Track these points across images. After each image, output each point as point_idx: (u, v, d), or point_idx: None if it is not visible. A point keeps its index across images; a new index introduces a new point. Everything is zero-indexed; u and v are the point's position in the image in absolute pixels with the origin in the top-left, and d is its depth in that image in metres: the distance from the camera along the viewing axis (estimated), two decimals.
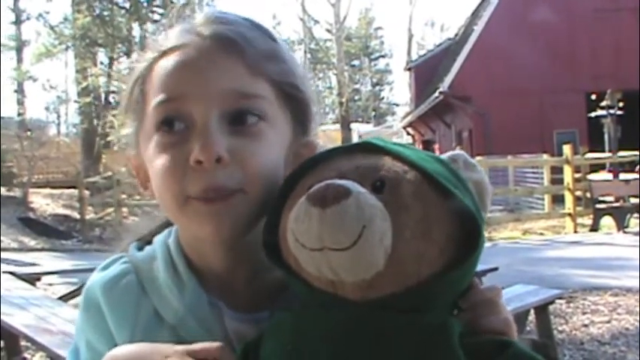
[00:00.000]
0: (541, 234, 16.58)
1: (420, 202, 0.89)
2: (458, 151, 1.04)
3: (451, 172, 0.96)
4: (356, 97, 73.07)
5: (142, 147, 1.10)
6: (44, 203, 22.06)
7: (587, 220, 16.68)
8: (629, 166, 18.27)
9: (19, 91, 41.09)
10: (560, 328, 7.20)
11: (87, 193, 21.02)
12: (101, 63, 31.16)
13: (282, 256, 0.96)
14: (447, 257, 0.90)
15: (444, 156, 1.01)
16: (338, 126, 43.06)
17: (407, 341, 0.87)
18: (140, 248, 1.19)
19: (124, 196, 19.09)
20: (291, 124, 1.12)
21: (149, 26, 27.59)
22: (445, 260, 0.90)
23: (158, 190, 1.06)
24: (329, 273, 0.87)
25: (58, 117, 64.90)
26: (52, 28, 30.86)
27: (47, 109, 62.06)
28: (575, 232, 16.14)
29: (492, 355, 0.89)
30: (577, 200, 16.95)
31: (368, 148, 0.98)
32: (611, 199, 16.60)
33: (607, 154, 19.74)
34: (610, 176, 18.24)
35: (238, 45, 1.05)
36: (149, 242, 1.20)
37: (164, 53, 1.08)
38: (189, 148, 1.00)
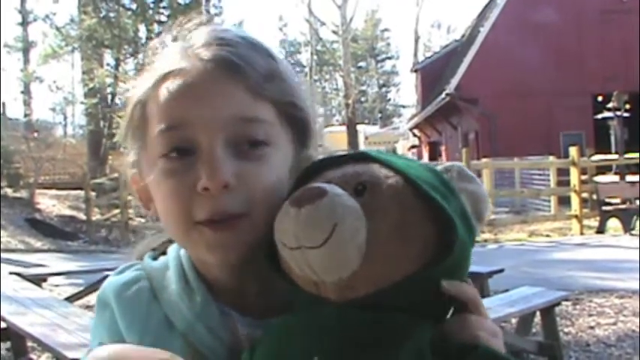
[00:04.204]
0: (547, 236, 16.57)
1: (398, 205, 0.92)
2: (456, 162, 1.06)
3: (441, 180, 0.98)
4: (362, 99, 73.09)
5: (145, 171, 1.11)
6: (50, 204, 22.14)
7: (594, 222, 16.66)
8: (636, 168, 18.24)
9: (26, 92, 41.24)
10: (566, 330, 7.19)
11: (93, 194, 21.01)
12: (107, 64, 31.15)
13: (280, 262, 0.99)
14: (424, 261, 0.92)
15: (440, 166, 1.03)
16: (344, 128, 43.06)
17: (377, 341, 0.90)
18: (155, 258, 1.21)
19: (130, 197, 19.01)
20: (292, 143, 1.12)
21: (155, 27, 27.62)
22: (422, 264, 0.92)
23: (163, 214, 1.07)
24: (309, 272, 0.91)
25: (65, 118, 65.14)
26: (58, 29, 30.91)
27: (54, 110, 62.23)
28: (582, 234, 16.13)
29: (462, 357, 0.90)
30: (583, 202, 16.95)
31: (359, 157, 1.01)
32: (617, 201, 16.60)
33: (613, 156, 19.73)
34: (616, 178, 18.23)
35: (240, 68, 1.05)
36: (164, 252, 1.22)
37: (164, 78, 1.07)
38: (196, 174, 1.01)
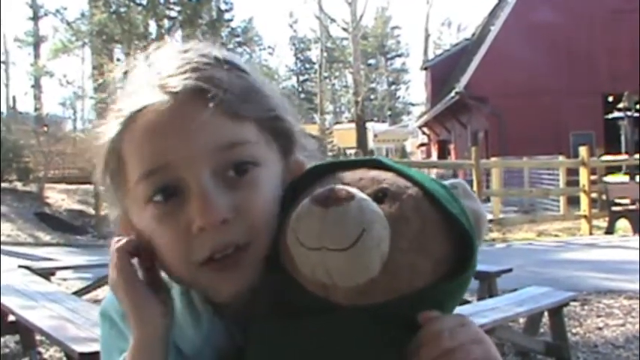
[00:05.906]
0: (556, 236, 16.52)
1: (420, 216, 0.91)
2: (459, 179, 1.05)
3: (451, 195, 0.98)
4: (372, 96, 73.04)
5: (135, 217, 1.06)
6: (60, 198, 22.15)
7: (603, 223, 16.61)
8: None
9: (36, 86, 41.36)
10: (574, 331, 7.16)
11: (102, 188, 21.03)
12: (118, 59, 31.20)
13: (280, 261, 0.97)
14: (439, 274, 0.92)
15: (446, 182, 1.02)
16: (353, 125, 43.05)
17: (388, 348, 0.90)
18: None
19: None
20: (279, 154, 1.08)
21: (165, 23, 27.65)
22: (437, 276, 0.92)
23: (165, 259, 1.02)
24: (323, 275, 0.88)
25: (75, 113, 65.01)
26: (69, 24, 30.97)
27: (63, 104, 62.22)
28: (591, 234, 16.08)
29: None
30: (592, 202, 16.89)
31: (372, 163, 0.99)
32: (626, 201, 16.56)
33: (623, 157, 19.69)
34: (626, 178, 18.18)
35: (213, 94, 0.98)
36: None
37: (134, 117, 1.01)
38: (188, 214, 0.97)
